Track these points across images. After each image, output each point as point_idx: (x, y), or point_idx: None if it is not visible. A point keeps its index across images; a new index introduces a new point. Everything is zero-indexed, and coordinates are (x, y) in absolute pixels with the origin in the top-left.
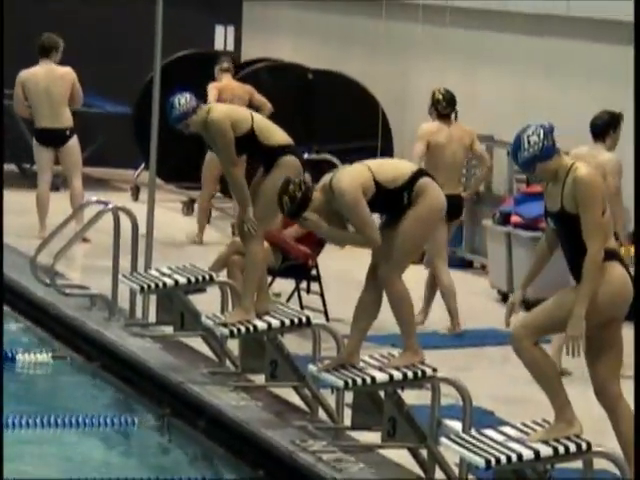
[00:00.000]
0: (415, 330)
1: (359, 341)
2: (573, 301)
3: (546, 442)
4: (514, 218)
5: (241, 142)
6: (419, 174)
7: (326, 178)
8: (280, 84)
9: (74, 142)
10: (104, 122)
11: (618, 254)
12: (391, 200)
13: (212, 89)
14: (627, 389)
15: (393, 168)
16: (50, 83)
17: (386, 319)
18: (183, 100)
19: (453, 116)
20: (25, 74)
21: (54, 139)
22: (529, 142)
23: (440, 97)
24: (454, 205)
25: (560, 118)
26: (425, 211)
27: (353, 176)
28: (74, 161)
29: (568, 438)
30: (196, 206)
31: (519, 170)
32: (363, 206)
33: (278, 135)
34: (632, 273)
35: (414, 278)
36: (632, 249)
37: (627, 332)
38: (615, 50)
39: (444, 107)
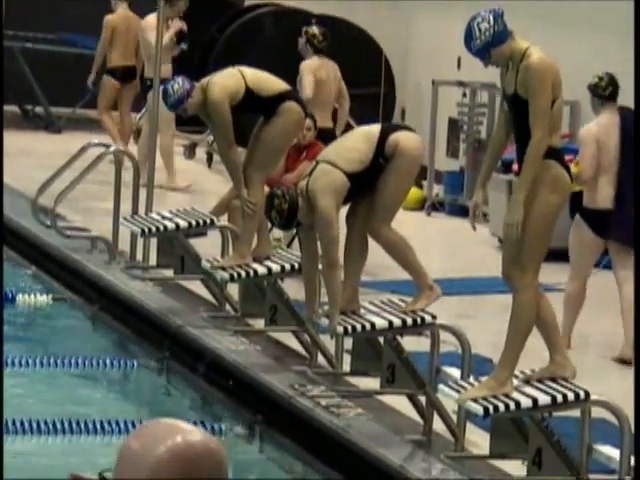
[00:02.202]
0: (422, 268)
1: (355, 286)
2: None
3: (541, 389)
4: (516, 166)
5: (241, 105)
6: (385, 133)
7: (302, 184)
8: (283, 29)
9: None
10: None
11: (559, 153)
12: (371, 173)
13: (107, 27)
14: (627, 387)
15: (356, 149)
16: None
17: (382, 265)
18: (176, 86)
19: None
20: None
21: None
22: (480, 29)
23: (314, 32)
24: (328, 138)
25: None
26: (405, 163)
27: (327, 188)
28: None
29: (565, 387)
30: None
31: None
32: (336, 227)
33: (273, 83)
34: (571, 174)
35: (412, 224)
36: None
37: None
38: (616, 2)
39: (320, 41)
